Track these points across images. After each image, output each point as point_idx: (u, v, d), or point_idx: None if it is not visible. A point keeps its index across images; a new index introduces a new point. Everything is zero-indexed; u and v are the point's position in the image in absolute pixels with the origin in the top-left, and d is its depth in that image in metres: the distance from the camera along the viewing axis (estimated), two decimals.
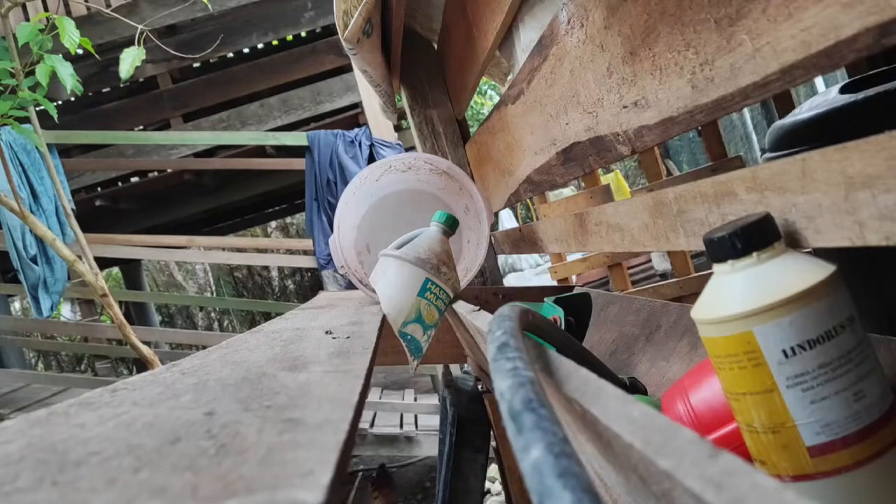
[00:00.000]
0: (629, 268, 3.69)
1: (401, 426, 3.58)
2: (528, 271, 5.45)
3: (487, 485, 2.42)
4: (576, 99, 0.78)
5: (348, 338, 0.64)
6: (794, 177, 0.43)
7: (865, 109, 0.68)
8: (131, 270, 6.59)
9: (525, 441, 0.23)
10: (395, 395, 4.08)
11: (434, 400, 3.82)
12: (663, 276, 3.82)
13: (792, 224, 0.44)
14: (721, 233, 0.41)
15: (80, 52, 2.25)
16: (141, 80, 4.10)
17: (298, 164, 3.61)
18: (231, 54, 4.28)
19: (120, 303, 3.42)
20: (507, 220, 5.51)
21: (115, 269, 8.01)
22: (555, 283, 2.74)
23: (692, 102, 0.53)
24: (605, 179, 3.55)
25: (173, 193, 4.36)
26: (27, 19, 3.49)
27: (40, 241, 3.25)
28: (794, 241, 0.44)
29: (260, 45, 4.27)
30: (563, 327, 0.89)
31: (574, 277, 3.05)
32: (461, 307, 0.99)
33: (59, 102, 3.87)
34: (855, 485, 0.38)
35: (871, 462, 0.38)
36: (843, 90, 0.75)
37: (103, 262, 4.64)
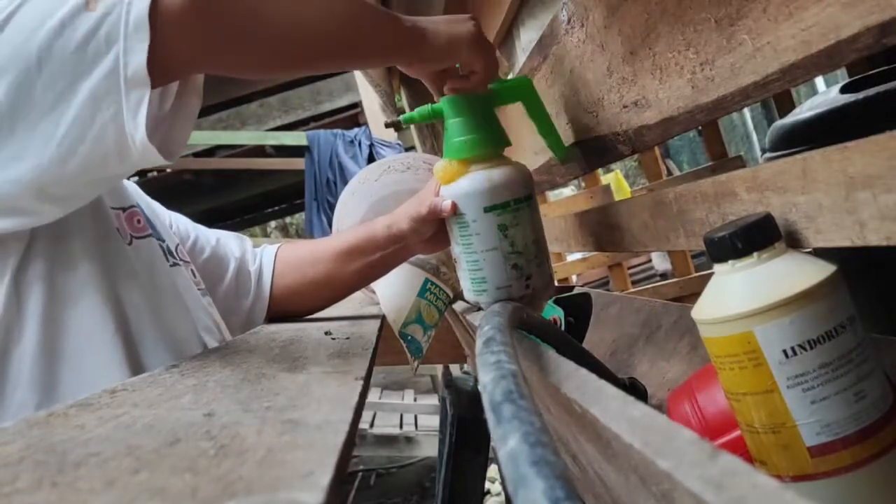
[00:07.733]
0: (629, 268, 3.68)
1: (400, 426, 3.57)
2: None
3: (487, 485, 2.41)
4: (576, 98, 0.78)
5: (348, 338, 0.64)
6: (794, 177, 0.43)
7: (866, 109, 0.68)
8: None
9: (503, 431, 0.23)
10: (394, 396, 4.08)
11: (434, 400, 3.82)
12: (663, 276, 3.81)
13: (792, 224, 0.44)
14: (722, 233, 0.41)
15: None
16: None
17: (298, 163, 3.61)
18: None
19: None
20: None
21: None
22: (555, 283, 2.73)
23: (692, 102, 0.53)
24: (605, 179, 3.54)
25: (172, 193, 4.35)
26: None
27: None
28: (794, 241, 0.44)
29: None
30: (563, 327, 0.89)
31: (574, 277, 3.05)
32: (461, 307, 0.99)
33: None
34: (855, 485, 0.38)
35: (872, 462, 0.38)
36: (843, 90, 0.75)
37: None
